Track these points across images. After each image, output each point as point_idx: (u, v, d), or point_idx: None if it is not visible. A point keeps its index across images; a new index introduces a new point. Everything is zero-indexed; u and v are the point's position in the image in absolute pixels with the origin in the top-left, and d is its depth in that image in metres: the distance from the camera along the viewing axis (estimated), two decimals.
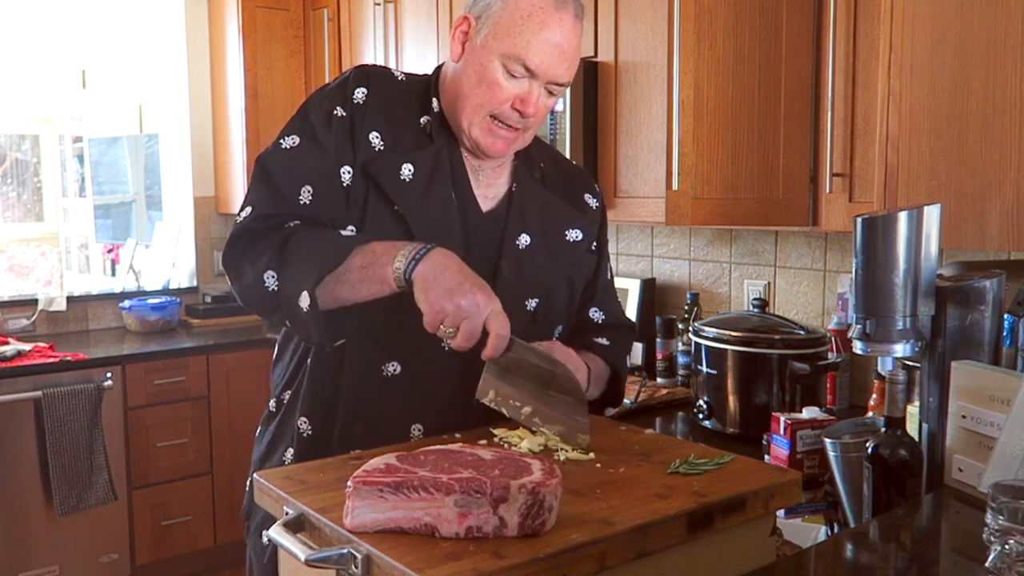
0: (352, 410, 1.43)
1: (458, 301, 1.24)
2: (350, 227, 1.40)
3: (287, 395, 1.52)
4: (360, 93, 1.43)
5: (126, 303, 3.89)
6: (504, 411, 1.33)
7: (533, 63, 1.38)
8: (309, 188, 1.40)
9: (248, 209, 1.40)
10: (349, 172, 1.41)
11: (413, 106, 1.48)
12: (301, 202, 1.39)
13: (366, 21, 3.58)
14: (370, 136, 1.42)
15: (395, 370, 1.43)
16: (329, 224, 1.40)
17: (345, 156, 1.41)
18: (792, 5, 2.18)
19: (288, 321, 1.39)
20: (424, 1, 3.26)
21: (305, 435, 1.46)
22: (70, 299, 3.89)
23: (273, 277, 1.34)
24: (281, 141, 1.44)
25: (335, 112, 1.42)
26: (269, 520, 1.44)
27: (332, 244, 1.33)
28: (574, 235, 1.56)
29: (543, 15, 1.37)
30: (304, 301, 1.30)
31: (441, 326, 1.25)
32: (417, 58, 3.32)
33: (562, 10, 1.39)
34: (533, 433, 1.32)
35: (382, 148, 1.42)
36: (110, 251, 5.38)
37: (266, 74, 3.96)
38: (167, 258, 4.34)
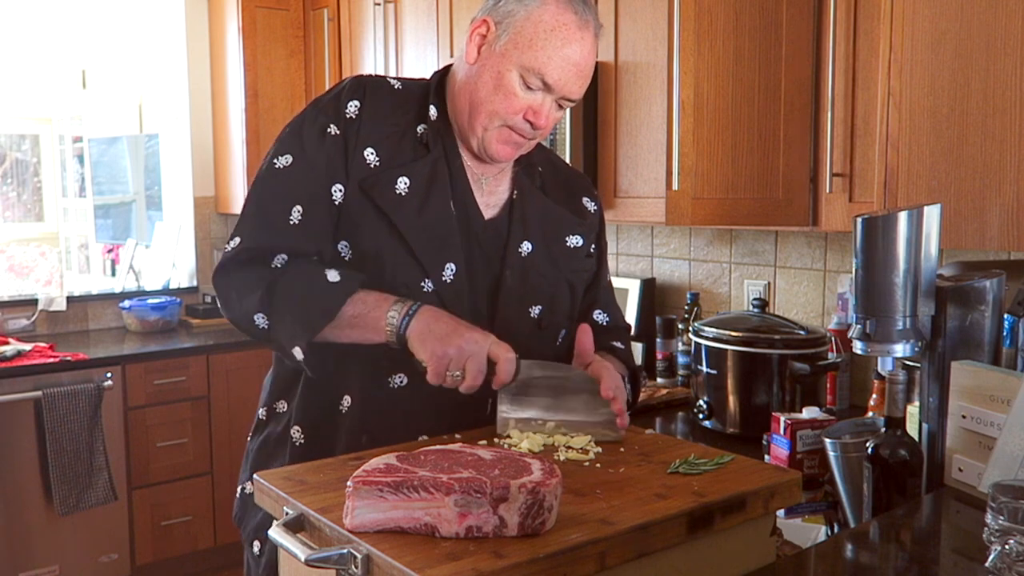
0: (358, 422, 1.43)
1: (457, 343, 1.28)
2: (334, 272, 1.38)
3: (281, 404, 1.52)
4: (353, 107, 1.42)
5: (126, 303, 3.89)
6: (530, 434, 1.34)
7: (551, 78, 1.38)
8: (299, 208, 1.40)
9: (236, 240, 1.41)
10: (341, 190, 1.41)
11: (410, 115, 1.46)
12: (291, 223, 1.39)
13: (366, 21, 3.58)
14: (364, 153, 1.41)
15: (402, 382, 1.43)
16: (317, 250, 1.41)
17: (337, 174, 1.41)
18: (792, 5, 2.18)
19: (280, 354, 1.44)
20: (424, 1, 3.26)
21: (297, 444, 1.45)
22: (70, 299, 3.89)
23: (263, 318, 1.36)
24: (275, 160, 1.43)
25: (328, 130, 1.41)
26: (261, 528, 1.45)
27: (322, 296, 1.34)
28: (574, 241, 1.57)
29: (566, 32, 1.37)
30: (298, 354, 1.34)
31: (447, 373, 1.28)
32: (417, 58, 3.32)
33: (584, 28, 1.39)
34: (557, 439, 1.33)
35: (377, 164, 1.41)
36: (110, 251, 5.38)
37: (266, 74, 3.96)
38: (167, 258, 4.34)
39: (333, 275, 1.36)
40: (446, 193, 1.44)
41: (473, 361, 1.28)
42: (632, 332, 2.87)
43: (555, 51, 1.37)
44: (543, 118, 1.41)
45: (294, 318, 1.34)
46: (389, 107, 1.45)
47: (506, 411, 1.35)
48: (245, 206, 1.45)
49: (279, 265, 1.39)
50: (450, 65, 1.52)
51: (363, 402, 1.43)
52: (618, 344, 1.60)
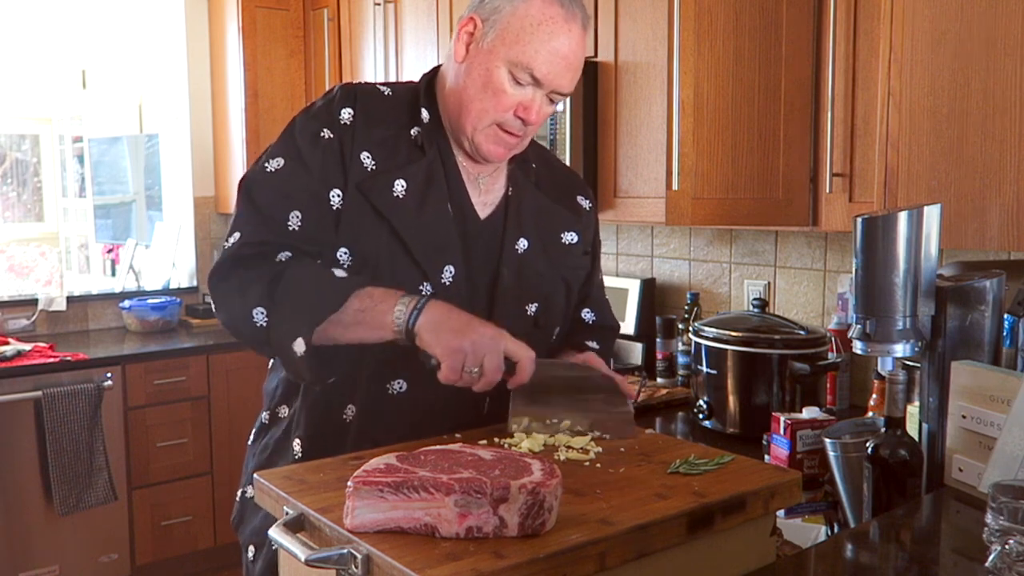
0: (361, 430, 1.42)
1: (472, 337, 1.26)
2: (339, 271, 1.37)
3: (283, 409, 1.51)
4: (347, 114, 1.41)
5: (126, 303, 3.89)
6: (542, 433, 1.34)
7: (540, 72, 1.37)
8: (298, 213, 1.37)
9: (236, 235, 1.38)
10: (339, 195, 1.39)
11: (402, 119, 1.45)
12: (290, 228, 1.37)
13: (366, 21, 3.58)
14: (361, 156, 1.40)
15: (401, 387, 1.42)
16: (318, 253, 1.38)
17: (334, 178, 1.39)
18: (792, 5, 2.18)
19: (276, 357, 1.39)
20: (424, 1, 3.26)
21: (296, 458, 1.44)
22: (70, 299, 3.88)
23: (263, 314, 1.32)
24: (266, 164, 1.41)
25: (321, 134, 1.40)
26: (256, 533, 1.45)
27: (328, 287, 1.32)
28: (569, 237, 1.56)
29: (553, 25, 1.37)
30: (299, 347, 1.29)
31: (463, 370, 1.26)
32: (417, 58, 3.32)
33: (571, 21, 1.38)
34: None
35: (374, 167, 1.40)
36: (110, 251, 5.37)
37: (266, 74, 3.96)
38: (167, 258, 4.34)
39: (340, 272, 1.35)
40: (443, 195, 1.43)
41: (491, 357, 1.26)
42: (630, 332, 2.89)
43: (542, 45, 1.36)
44: (534, 113, 1.41)
45: (298, 309, 1.30)
46: (381, 113, 1.44)
47: (521, 409, 1.34)
48: (239, 207, 1.42)
49: (283, 259, 1.36)
50: (439, 67, 1.51)
51: (364, 411, 1.42)
52: (592, 343, 1.59)
